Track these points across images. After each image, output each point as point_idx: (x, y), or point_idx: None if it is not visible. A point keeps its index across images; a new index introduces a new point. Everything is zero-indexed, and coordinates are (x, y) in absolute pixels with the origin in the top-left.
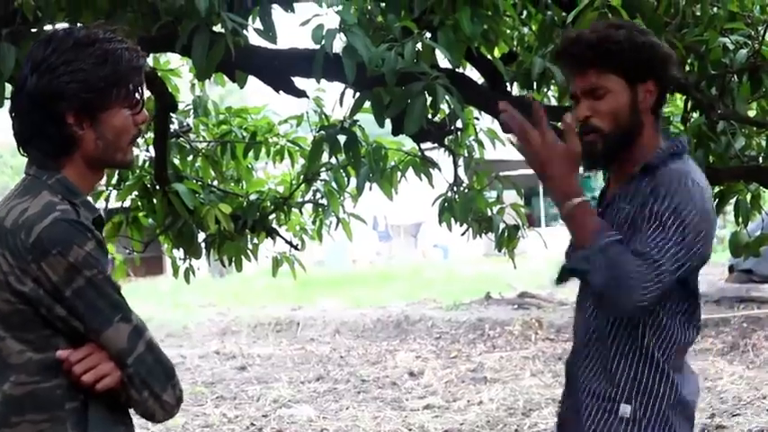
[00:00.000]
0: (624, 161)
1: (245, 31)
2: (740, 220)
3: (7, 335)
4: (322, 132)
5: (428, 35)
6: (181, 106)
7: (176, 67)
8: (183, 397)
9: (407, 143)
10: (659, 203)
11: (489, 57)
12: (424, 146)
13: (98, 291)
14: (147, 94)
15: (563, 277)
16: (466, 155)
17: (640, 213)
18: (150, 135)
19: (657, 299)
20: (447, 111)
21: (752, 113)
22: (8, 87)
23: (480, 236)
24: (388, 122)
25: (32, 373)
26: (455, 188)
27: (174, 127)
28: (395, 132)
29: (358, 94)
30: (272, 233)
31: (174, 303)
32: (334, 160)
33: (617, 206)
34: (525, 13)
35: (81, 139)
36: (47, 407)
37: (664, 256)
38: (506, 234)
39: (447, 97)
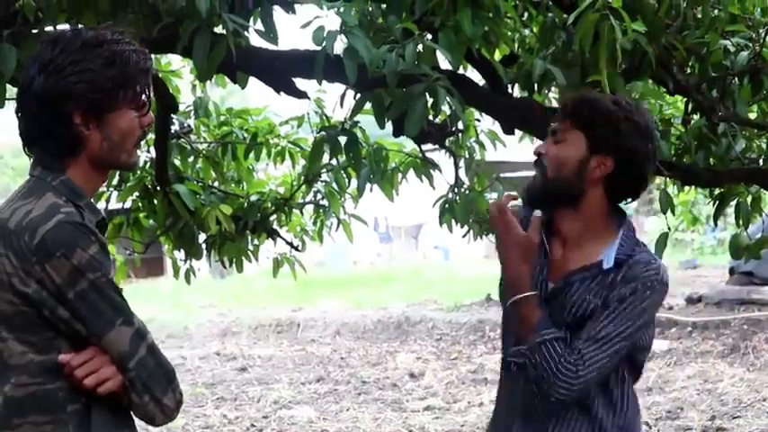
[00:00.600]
0: (567, 228)
1: (246, 33)
2: (741, 222)
3: (9, 336)
4: (323, 133)
5: (429, 37)
6: (182, 107)
7: (177, 69)
8: (183, 400)
9: (408, 144)
10: (622, 294)
11: (490, 58)
12: (424, 147)
13: (101, 294)
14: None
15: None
16: (467, 156)
17: (604, 303)
18: (151, 136)
19: (586, 391)
20: (448, 112)
21: (752, 116)
22: (11, 89)
23: (481, 237)
24: (388, 124)
25: (34, 375)
26: (456, 189)
27: (174, 128)
28: (396, 134)
29: (359, 95)
30: (273, 234)
31: (175, 304)
32: (334, 161)
33: (579, 294)
34: (526, 14)
35: (87, 139)
36: (49, 409)
37: (598, 355)
38: None
39: (448, 99)
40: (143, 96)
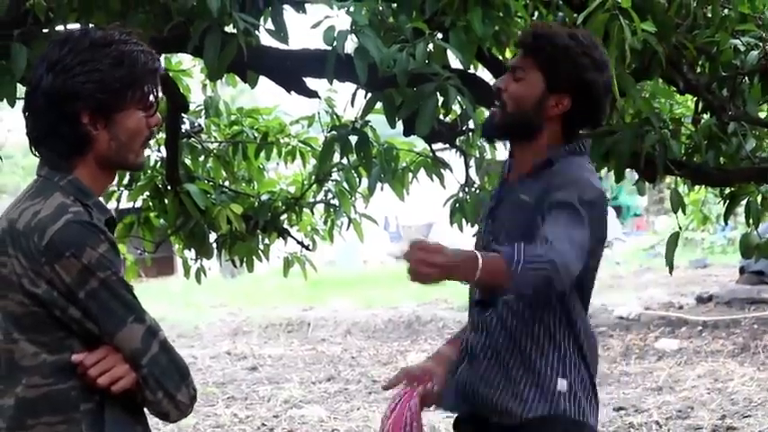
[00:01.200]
0: (520, 159)
1: (256, 32)
2: (751, 221)
3: (21, 337)
4: (333, 133)
5: (440, 36)
6: (192, 107)
7: (188, 68)
8: (196, 396)
9: (419, 144)
10: (558, 193)
11: (501, 57)
12: (435, 146)
13: (111, 292)
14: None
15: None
16: (477, 155)
17: (540, 205)
18: (162, 135)
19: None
20: (459, 111)
21: (762, 115)
22: (22, 89)
23: None
24: (399, 123)
25: (47, 375)
26: (466, 189)
27: (185, 127)
28: (406, 133)
29: (369, 94)
30: (284, 233)
31: (186, 304)
32: (345, 161)
33: (516, 197)
34: (537, 14)
35: (95, 139)
36: (62, 408)
37: (572, 239)
38: None
39: (459, 98)
40: (151, 97)
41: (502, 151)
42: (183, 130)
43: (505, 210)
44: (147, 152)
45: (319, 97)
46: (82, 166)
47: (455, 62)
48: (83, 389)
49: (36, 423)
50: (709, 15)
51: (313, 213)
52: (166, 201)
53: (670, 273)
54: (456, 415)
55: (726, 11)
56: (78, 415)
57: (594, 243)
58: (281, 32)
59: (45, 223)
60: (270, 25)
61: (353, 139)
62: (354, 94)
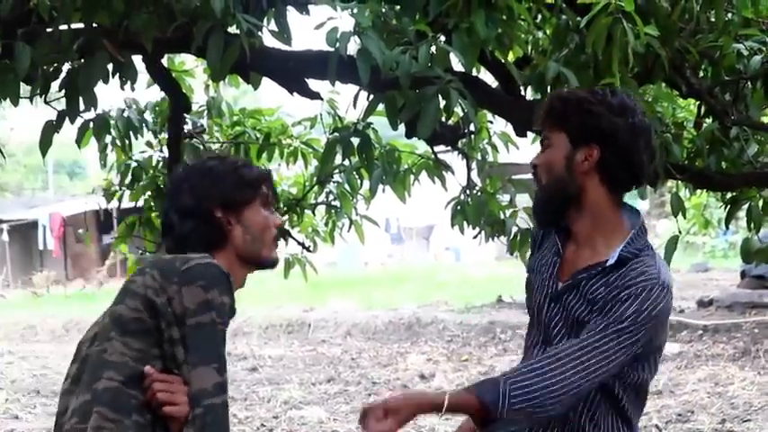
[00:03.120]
0: (578, 230)
1: (259, 33)
2: (752, 226)
3: (117, 338)
4: (335, 134)
5: (442, 38)
6: (195, 107)
7: (191, 68)
8: None
9: (421, 146)
10: (620, 306)
11: (503, 60)
12: (437, 149)
13: (213, 335)
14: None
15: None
16: (479, 158)
17: (597, 306)
18: (164, 135)
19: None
20: (461, 114)
21: (765, 119)
22: (25, 87)
23: (493, 239)
24: (401, 125)
25: (122, 375)
26: (468, 191)
27: (187, 128)
28: (408, 135)
29: (372, 96)
30: (285, 234)
31: None
32: (347, 162)
33: (583, 293)
34: (540, 16)
35: (231, 233)
36: (119, 409)
37: (592, 368)
38: (519, 237)
39: (461, 101)
40: (270, 197)
41: (504, 154)
42: (186, 131)
43: (573, 302)
44: (149, 152)
45: (322, 99)
46: (220, 259)
47: (458, 65)
48: (142, 403)
49: (97, 410)
50: (713, 19)
51: (314, 215)
52: None
53: None
54: None
55: (729, 15)
56: (128, 422)
57: (653, 351)
58: (284, 34)
59: (193, 258)
60: (273, 26)
61: (355, 140)
62: (357, 96)
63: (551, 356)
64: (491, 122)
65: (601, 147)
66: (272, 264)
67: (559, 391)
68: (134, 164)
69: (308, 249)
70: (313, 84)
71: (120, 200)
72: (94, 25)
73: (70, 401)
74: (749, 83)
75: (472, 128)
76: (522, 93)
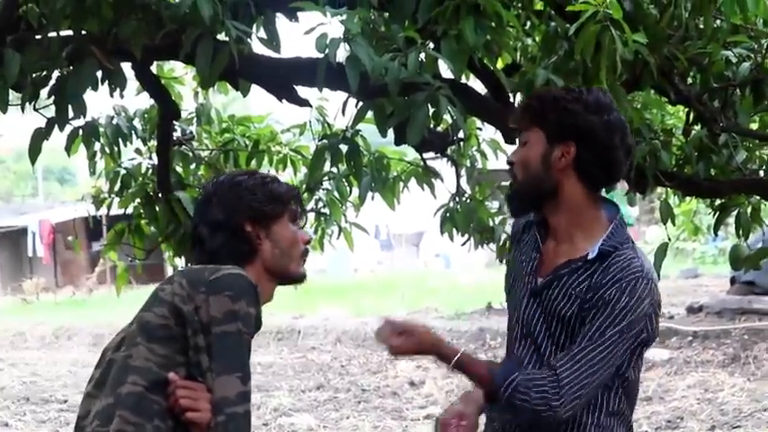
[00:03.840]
0: (556, 224)
1: (248, 40)
2: (741, 232)
3: (142, 342)
4: (324, 141)
5: (431, 45)
6: (184, 114)
7: (180, 75)
8: None
9: (410, 153)
10: (612, 307)
11: (492, 67)
12: (426, 156)
13: (238, 344)
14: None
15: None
16: (468, 165)
17: (583, 307)
18: (153, 143)
19: (585, 403)
20: (449, 121)
21: (753, 126)
22: (14, 94)
23: (482, 246)
24: (390, 132)
25: (146, 379)
26: (457, 198)
27: (176, 135)
28: (397, 142)
29: (361, 103)
30: None
31: None
32: (336, 169)
33: (564, 288)
34: (528, 24)
35: (260, 248)
36: (141, 413)
37: (576, 374)
38: (508, 244)
39: (449, 107)
40: (297, 213)
41: (493, 161)
42: (175, 138)
43: (554, 297)
44: (137, 159)
45: (310, 106)
46: (251, 273)
47: (447, 72)
48: (164, 409)
49: (120, 414)
50: (701, 26)
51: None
52: (157, 208)
53: None
54: None
55: (718, 22)
56: (149, 427)
57: (642, 343)
58: (273, 41)
59: (223, 268)
60: (262, 33)
61: (344, 147)
62: (345, 103)
63: (558, 366)
64: (480, 129)
65: (577, 144)
66: (300, 279)
67: (564, 397)
68: (123, 171)
69: None
70: (302, 91)
71: (109, 207)
72: (83, 32)
73: (93, 405)
74: (738, 90)
75: (461, 135)
76: (511, 100)
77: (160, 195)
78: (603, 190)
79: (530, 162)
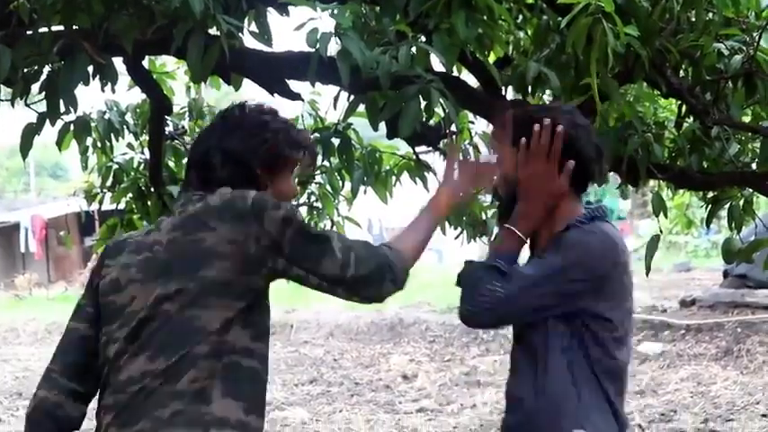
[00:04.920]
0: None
1: (240, 34)
2: (733, 225)
3: (209, 302)
4: (316, 135)
5: (423, 39)
6: (176, 109)
7: (172, 70)
8: (401, 285)
9: (402, 147)
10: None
11: (484, 61)
12: (418, 149)
13: (305, 237)
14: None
15: None
16: (461, 158)
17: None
18: (145, 137)
19: (495, 320)
20: (442, 114)
21: (746, 119)
22: (6, 89)
23: (475, 240)
24: (382, 126)
25: (217, 335)
26: None
27: (169, 130)
28: (389, 136)
29: (352, 97)
30: None
31: None
32: (328, 163)
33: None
34: (520, 17)
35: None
36: (204, 368)
37: (523, 289)
38: None
39: (442, 100)
40: (301, 162)
41: (485, 154)
42: (167, 133)
43: None
44: (129, 154)
45: (302, 100)
46: None
47: (438, 65)
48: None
49: (189, 370)
50: (693, 19)
51: None
52: (149, 203)
53: (646, 274)
54: None
55: (710, 15)
56: (219, 365)
57: (614, 311)
58: (264, 35)
59: (238, 194)
60: (253, 27)
61: (336, 141)
62: (337, 97)
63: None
64: (472, 123)
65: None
66: None
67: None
68: (115, 166)
69: None
70: (294, 85)
71: (101, 202)
72: (74, 27)
73: (130, 364)
74: (730, 82)
75: (453, 128)
76: (503, 93)
77: (152, 190)
78: (596, 184)
79: (507, 176)
